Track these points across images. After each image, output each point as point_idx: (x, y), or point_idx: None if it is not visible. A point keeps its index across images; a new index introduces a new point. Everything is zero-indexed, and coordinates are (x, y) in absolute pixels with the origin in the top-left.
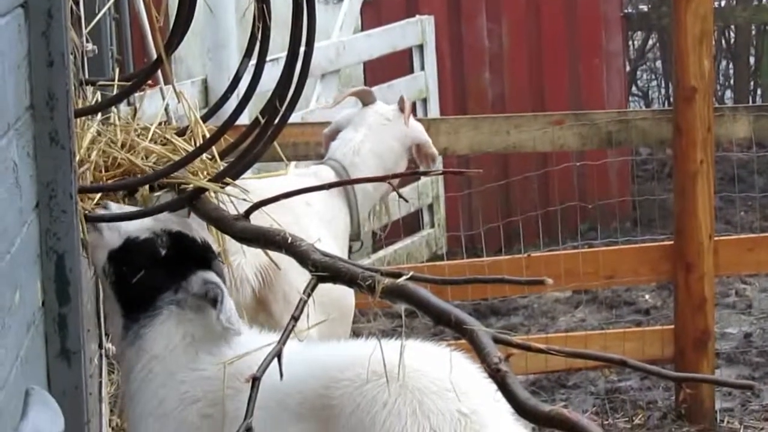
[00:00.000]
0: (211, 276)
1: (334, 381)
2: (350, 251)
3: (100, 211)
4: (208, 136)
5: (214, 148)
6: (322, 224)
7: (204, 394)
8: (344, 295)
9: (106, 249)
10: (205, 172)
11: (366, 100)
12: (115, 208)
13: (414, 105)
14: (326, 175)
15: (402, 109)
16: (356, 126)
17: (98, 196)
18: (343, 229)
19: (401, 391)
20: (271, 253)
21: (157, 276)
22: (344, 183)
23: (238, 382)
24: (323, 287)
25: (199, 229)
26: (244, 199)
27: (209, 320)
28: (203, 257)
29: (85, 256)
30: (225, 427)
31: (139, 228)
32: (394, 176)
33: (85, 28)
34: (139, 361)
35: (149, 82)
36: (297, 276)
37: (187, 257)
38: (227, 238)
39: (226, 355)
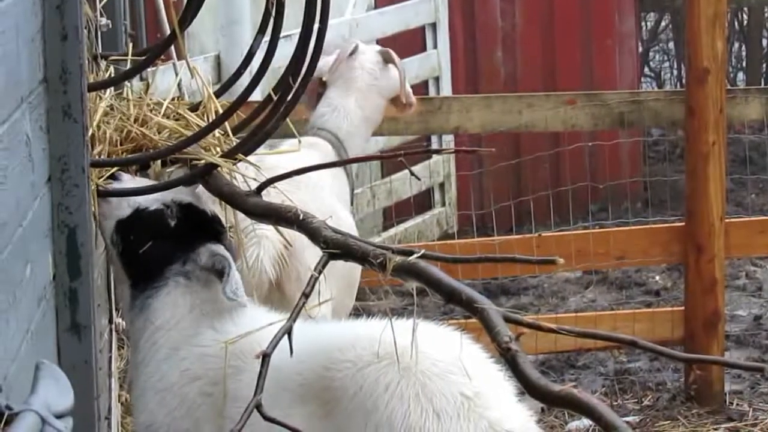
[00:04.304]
0: (219, 248)
1: (335, 362)
2: None
3: (115, 185)
4: (220, 111)
5: (226, 123)
6: (339, 201)
7: (205, 372)
8: (350, 265)
9: (115, 219)
10: (217, 148)
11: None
12: (127, 178)
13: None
14: (325, 148)
15: (387, 61)
16: (346, 88)
17: (111, 170)
18: (349, 202)
19: (404, 374)
20: (286, 233)
21: (165, 247)
22: (361, 160)
23: (239, 360)
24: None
25: (209, 203)
26: (254, 179)
27: (216, 294)
28: (213, 230)
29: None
30: (225, 407)
31: (149, 198)
32: (406, 153)
33: (99, 2)
34: (145, 331)
35: (162, 57)
36: (310, 256)
37: (197, 229)
38: (240, 228)
39: (230, 332)
